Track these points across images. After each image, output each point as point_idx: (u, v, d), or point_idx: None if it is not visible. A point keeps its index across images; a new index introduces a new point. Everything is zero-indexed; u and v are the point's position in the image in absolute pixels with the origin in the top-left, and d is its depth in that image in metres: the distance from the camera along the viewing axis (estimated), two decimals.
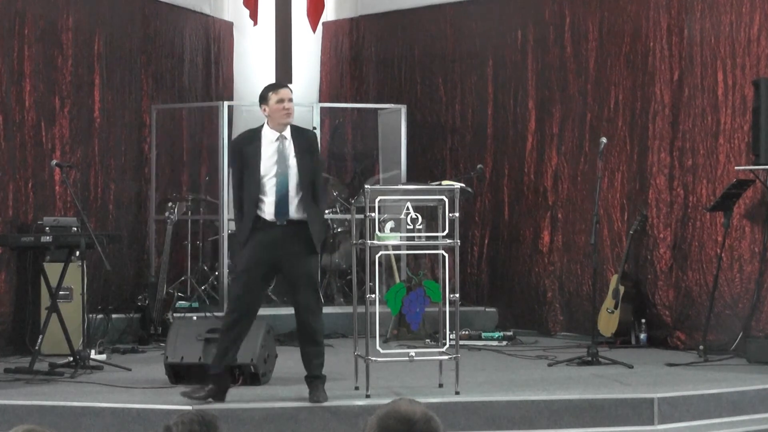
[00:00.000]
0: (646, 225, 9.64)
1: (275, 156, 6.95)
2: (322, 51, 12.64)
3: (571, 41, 10.39)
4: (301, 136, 7.07)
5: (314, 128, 10.77)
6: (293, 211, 6.92)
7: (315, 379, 7.04)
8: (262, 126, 7.06)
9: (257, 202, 6.92)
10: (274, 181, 6.93)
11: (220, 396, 6.88)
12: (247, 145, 7.03)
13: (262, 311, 9.88)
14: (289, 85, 7.19)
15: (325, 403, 6.94)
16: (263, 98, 7.02)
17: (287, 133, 7.00)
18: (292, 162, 6.95)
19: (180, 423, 3.19)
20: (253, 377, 7.55)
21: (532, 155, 10.69)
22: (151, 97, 11.00)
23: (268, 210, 6.92)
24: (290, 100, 7.00)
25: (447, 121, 11.51)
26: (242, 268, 7.04)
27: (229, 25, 12.37)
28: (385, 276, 9.35)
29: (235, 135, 11.61)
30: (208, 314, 9.84)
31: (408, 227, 7.29)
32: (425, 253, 9.73)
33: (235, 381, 7.51)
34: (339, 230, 11.11)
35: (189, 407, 6.60)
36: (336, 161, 12.34)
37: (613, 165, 9.93)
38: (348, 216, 10.79)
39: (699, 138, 9.35)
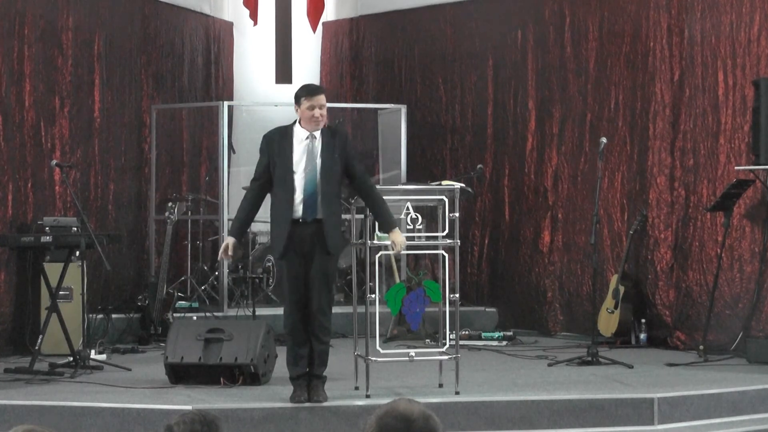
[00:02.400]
0: (647, 225, 9.64)
1: (305, 154, 6.97)
2: (322, 51, 12.64)
3: (571, 41, 10.39)
4: (331, 134, 7.06)
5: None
6: (319, 211, 6.93)
7: (316, 378, 7.04)
8: (294, 123, 7.08)
9: (288, 201, 6.94)
10: (303, 179, 6.94)
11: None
12: (280, 141, 7.04)
13: (262, 311, 9.96)
14: (324, 90, 7.10)
15: (325, 403, 6.94)
16: (297, 99, 7.03)
17: (317, 133, 7.01)
18: (319, 161, 6.96)
19: (182, 422, 3.19)
20: (253, 377, 7.55)
21: (532, 155, 10.69)
22: (151, 97, 11.01)
23: (297, 210, 6.94)
24: (322, 107, 6.97)
25: (447, 121, 11.51)
26: (287, 282, 7.04)
27: (229, 25, 12.37)
28: (385, 276, 9.35)
29: (235, 135, 11.68)
30: (208, 314, 9.85)
31: (408, 227, 7.29)
32: (425, 253, 9.74)
33: (236, 381, 7.51)
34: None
35: (189, 407, 6.61)
36: None
37: (613, 165, 9.93)
38: (348, 216, 10.77)
39: (699, 138, 9.35)
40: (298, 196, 6.93)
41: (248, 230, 10.97)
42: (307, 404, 6.93)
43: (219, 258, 7.76)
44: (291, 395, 7.01)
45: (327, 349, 7.10)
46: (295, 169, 6.95)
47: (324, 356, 7.07)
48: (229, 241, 7.06)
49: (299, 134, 7.01)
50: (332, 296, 7.23)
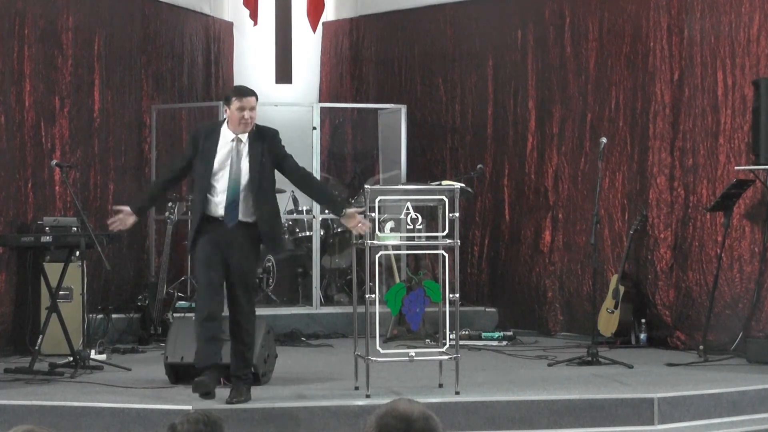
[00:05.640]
0: (647, 225, 9.64)
1: (228, 157, 6.97)
2: (322, 51, 12.64)
3: (571, 41, 10.40)
4: (260, 137, 7.04)
5: (314, 128, 10.79)
6: (242, 214, 6.94)
7: (238, 379, 7.02)
8: (223, 122, 7.08)
9: (205, 199, 6.95)
10: (225, 181, 6.94)
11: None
12: (206, 139, 7.03)
13: (262, 311, 9.96)
14: (255, 94, 7.05)
15: (325, 403, 6.95)
16: (227, 99, 7.03)
17: (244, 136, 7.01)
18: (245, 164, 6.96)
19: (185, 422, 3.20)
20: (253, 377, 7.54)
21: (532, 155, 10.69)
22: (151, 97, 11.00)
23: (216, 210, 6.96)
24: (252, 109, 6.97)
25: (447, 121, 11.51)
26: (199, 266, 7.07)
27: (229, 25, 12.37)
28: (385, 276, 9.35)
29: None
30: None
31: (408, 227, 7.30)
32: (425, 253, 9.74)
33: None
34: (339, 230, 11.11)
35: (189, 407, 6.60)
36: (336, 161, 12.35)
37: (613, 165, 9.93)
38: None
39: (699, 138, 9.35)
40: (218, 197, 6.94)
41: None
42: (306, 404, 6.93)
43: (109, 223, 7.27)
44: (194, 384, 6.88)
45: (249, 350, 7.08)
46: (215, 170, 6.94)
47: (248, 357, 7.07)
48: (125, 211, 7.02)
49: (226, 135, 7.01)
50: (253, 299, 7.21)
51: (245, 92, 7.05)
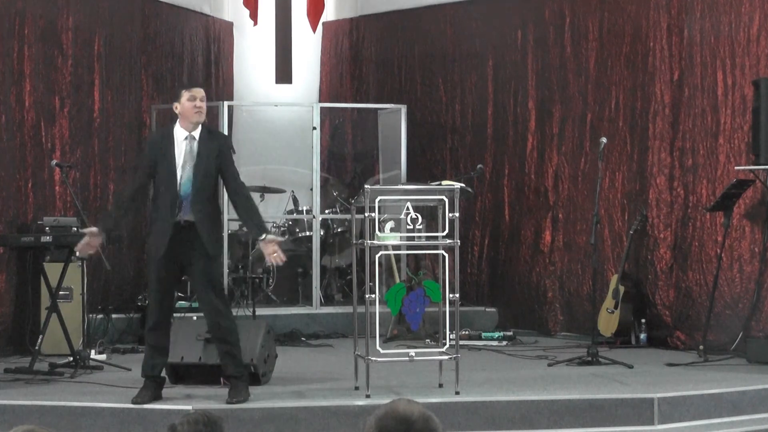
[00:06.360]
0: (647, 225, 9.64)
1: (182, 156, 6.99)
2: (322, 51, 12.64)
3: (571, 41, 10.40)
4: (210, 138, 7.07)
5: (314, 128, 10.79)
6: (189, 213, 6.94)
7: (234, 378, 7.03)
8: (174, 124, 7.09)
9: (168, 201, 6.93)
10: (180, 180, 6.95)
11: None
12: (162, 143, 7.05)
13: (262, 311, 9.96)
14: (201, 87, 7.19)
15: (325, 403, 6.95)
16: (175, 97, 7.09)
17: (196, 133, 7.02)
18: (195, 163, 6.97)
19: (186, 423, 3.20)
20: (253, 377, 7.54)
21: (532, 155, 10.69)
22: (151, 97, 11.00)
23: (177, 211, 6.95)
24: (202, 99, 7.03)
25: (447, 121, 11.51)
26: (153, 272, 7.05)
27: (229, 25, 12.37)
28: (385, 276, 9.35)
29: (235, 135, 11.68)
30: None
31: (408, 227, 7.29)
32: (425, 253, 9.73)
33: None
34: (339, 230, 11.11)
35: (189, 407, 6.61)
36: (336, 161, 12.35)
37: (613, 165, 9.93)
38: (348, 216, 10.79)
39: (699, 138, 9.35)
40: (179, 197, 6.94)
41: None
42: (306, 404, 6.94)
43: (76, 250, 7.20)
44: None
45: (235, 347, 7.08)
46: (178, 171, 6.95)
47: (235, 355, 7.07)
48: (94, 234, 6.95)
49: (179, 135, 7.03)
50: (224, 297, 7.20)
51: (192, 85, 7.22)
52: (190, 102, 7.00)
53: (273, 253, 6.88)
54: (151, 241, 7.09)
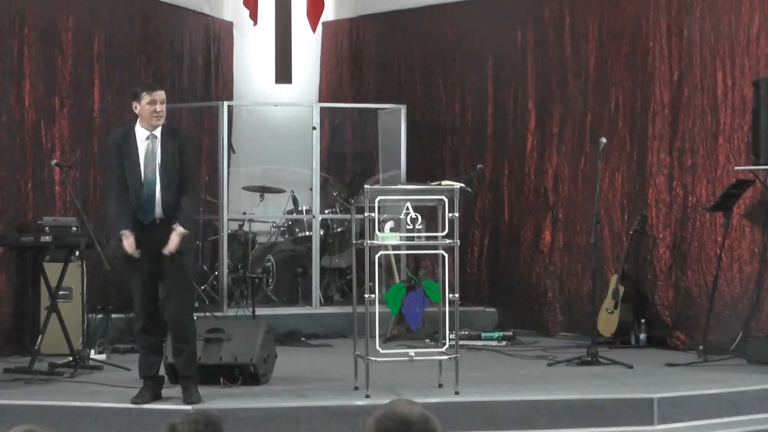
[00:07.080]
0: (646, 225, 9.64)
1: (144, 155, 6.94)
2: (322, 51, 12.64)
3: (571, 41, 10.40)
4: (172, 136, 7.01)
5: (314, 128, 10.79)
6: (159, 211, 6.92)
7: (187, 379, 7.02)
8: (135, 124, 7.02)
9: (137, 202, 6.91)
10: (144, 179, 6.91)
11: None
12: (124, 143, 6.98)
13: (262, 311, 9.96)
14: (164, 87, 7.07)
15: (325, 403, 6.95)
16: (135, 96, 6.97)
17: (158, 132, 6.97)
18: (158, 161, 6.93)
19: (186, 422, 3.19)
20: (253, 377, 7.55)
21: (532, 155, 10.69)
22: None
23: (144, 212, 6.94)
24: (162, 102, 6.93)
25: (447, 121, 11.51)
26: (132, 275, 7.03)
27: (229, 25, 12.37)
28: (384, 276, 9.35)
29: (235, 135, 11.68)
30: (207, 314, 9.84)
31: (408, 227, 7.29)
32: (425, 253, 9.73)
33: (235, 381, 7.51)
34: (339, 230, 11.11)
35: (189, 407, 6.61)
36: (336, 161, 12.35)
37: (613, 165, 9.93)
38: (348, 216, 10.79)
39: (699, 138, 9.35)
40: (144, 197, 6.91)
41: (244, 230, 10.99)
42: (306, 404, 6.94)
43: (127, 252, 6.99)
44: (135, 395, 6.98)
45: (194, 350, 7.09)
46: (142, 170, 6.91)
47: (192, 357, 7.08)
48: (129, 235, 6.87)
49: (141, 134, 6.97)
50: (192, 295, 7.18)
51: (154, 87, 7.08)
52: (150, 106, 6.89)
53: (170, 242, 6.82)
54: (120, 244, 6.92)
